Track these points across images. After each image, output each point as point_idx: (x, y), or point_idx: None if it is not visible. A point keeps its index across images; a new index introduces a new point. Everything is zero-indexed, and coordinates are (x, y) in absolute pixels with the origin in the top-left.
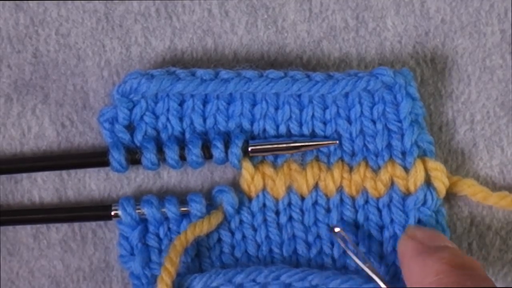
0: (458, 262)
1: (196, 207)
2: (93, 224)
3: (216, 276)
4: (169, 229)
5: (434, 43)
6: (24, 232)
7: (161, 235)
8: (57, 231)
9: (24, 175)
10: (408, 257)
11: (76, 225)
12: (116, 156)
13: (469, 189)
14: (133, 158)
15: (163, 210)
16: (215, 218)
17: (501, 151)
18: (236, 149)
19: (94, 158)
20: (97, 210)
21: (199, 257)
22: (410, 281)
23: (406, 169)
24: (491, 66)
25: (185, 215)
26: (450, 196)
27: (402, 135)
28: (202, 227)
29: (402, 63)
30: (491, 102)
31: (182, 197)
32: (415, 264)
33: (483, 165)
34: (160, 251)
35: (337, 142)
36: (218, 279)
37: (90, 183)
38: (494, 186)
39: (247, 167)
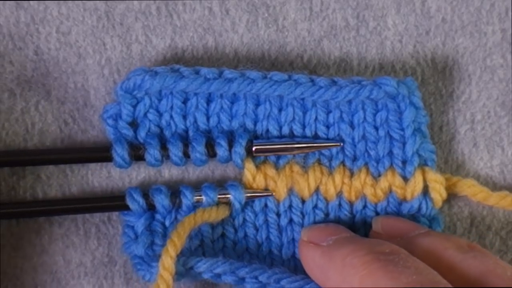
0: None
1: (211, 194)
2: (96, 219)
3: (222, 263)
4: (176, 218)
5: (435, 43)
6: (27, 227)
7: (167, 224)
8: (59, 226)
9: (27, 171)
10: (317, 263)
11: (79, 220)
12: (119, 151)
13: (469, 189)
14: (136, 154)
15: (173, 200)
16: (223, 211)
17: (502, 151)
18: (240, 148)
19: (97, 153)
20: (107, 201)
21: (202, 247)
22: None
23: (405, 178)
24: (491, 65)
25: (194, 206)
26: (450, 196)
27: (404, 144)
28: (210, 214)
29: (403, 63)
30: (492, 102)
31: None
32: (331, 270)
33: (483, 165)
34: (164, 236)
35: (341, 144)
36: (223, 266)
37: (93, 180)
38: (495, 186)
39: (249, 168)
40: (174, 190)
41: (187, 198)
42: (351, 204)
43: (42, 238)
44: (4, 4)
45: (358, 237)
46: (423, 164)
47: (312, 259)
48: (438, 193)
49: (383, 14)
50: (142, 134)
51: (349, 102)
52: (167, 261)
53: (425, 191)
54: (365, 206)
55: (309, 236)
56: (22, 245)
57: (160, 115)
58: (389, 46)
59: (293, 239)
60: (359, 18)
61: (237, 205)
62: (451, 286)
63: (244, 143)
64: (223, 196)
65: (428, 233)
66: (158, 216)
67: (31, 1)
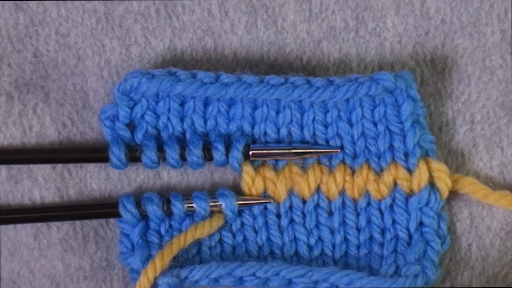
0: None
1: (201, 204)
2: (95, 222)
3: (216, 267)
4: (170, 226)
5: (434, 43)
6: (25, 232)
7: (163, 232)
8: (58, 230)
9: (25, 174)
10: None
11: (77, 224)
12: (116, 152)
13: (470, 186)
14: (133, 155)
15: (167, 207)
16: (216, 221)
17: (501, 151)
18: (236, 153)
19: (94, 154)
20: (103, 208)
21: (200, 255)
22: None
23: (409, 170)
24: (491, 66)
25: (188, 214)
26: (450, 196)
27: (404, 136)
28: (203, 230)
29: (402, 64)
30: (491, 102)
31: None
32: None
33: (483, 166)
34: (161, 247)
35: (339, 150)
36: (218, 270)
37: (91, 183)
38: (494, 187)
39: (247, 171)
40: (167, 198)
41: (177, 208)
42: (354, 201)
43: (40, 243)
44: (3, 5)
45: None
46: (424, 155)
47: None
48: (444, 182)
49: (383, 15)
50: (139, 135)
51: (347, 100)
52: (144, 283)
53: (430, 182)
54: (369, 204)
55: None
56: (20, 249)
57: (157, 117)
58: (388, 47)
59: (294, 238)
60: (358, 19)
61: (230, 215)
62: None
63: (241, 147)
64: (216, 203)
65: None
66: (152, 225)
67: (30, 3)
